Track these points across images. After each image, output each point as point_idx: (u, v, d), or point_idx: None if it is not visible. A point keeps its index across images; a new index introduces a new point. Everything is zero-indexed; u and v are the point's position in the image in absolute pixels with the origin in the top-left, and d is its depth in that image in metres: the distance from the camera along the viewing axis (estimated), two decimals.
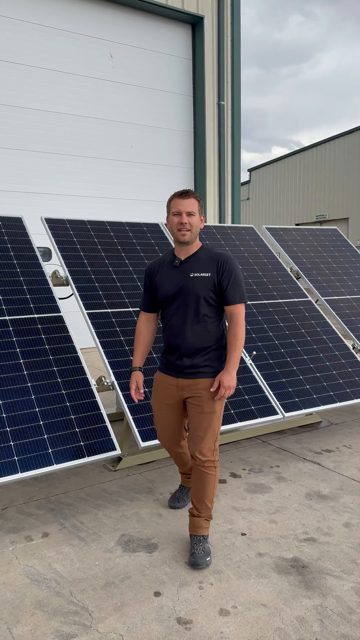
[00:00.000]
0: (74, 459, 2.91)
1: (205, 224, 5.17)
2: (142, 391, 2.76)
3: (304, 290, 5.05)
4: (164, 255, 2.73)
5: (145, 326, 2.80)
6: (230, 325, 2.55)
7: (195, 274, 2.56)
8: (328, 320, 4.82)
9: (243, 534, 2.84)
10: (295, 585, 2.41)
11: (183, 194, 2.53)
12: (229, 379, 2.50)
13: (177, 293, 2.58)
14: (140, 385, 2.76)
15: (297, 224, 26.32)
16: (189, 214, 2.52)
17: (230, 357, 2.52)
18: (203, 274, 2.56)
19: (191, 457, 2.67)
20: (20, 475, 2.74)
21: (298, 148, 26.65)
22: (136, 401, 2.75)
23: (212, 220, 9.58)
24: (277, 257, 5.31)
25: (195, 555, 2.55)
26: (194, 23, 9.26)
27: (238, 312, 2.54)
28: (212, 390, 2.53)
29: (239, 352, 2.52)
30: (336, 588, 2.38)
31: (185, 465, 3.02)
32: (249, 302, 4.56)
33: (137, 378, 2.76)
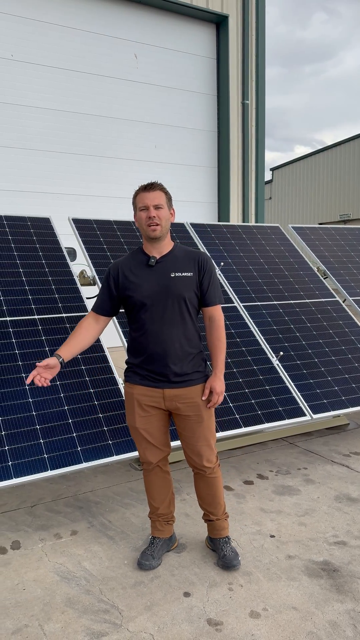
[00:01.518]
0: (101, 458, 2.92)
1: (230, 223, 5.15)
2: (45, 378, 2.28)
3: (332, 290, 4.99)
4: (131, 253, 2.48)
5: (92, 327, 2.45)
6: (212, 328, 2.43)
7: (176, 274, 2.37)
8: (357, 320, 4.75)
9: (272, 536, 2.81)
10: (326, 589, 2.37)
11: (148, 187, 2.34)
12: (220, 384, 2.38)
13: (157, 295, 2.35)
14: (46, 367, 2.28)
15: (320, 223, 26.04)
16: (157, 207, 2.33)
17: (217, 362, 2.41)
18: (185, 274, 2.38)
19: (194, 469, 2.53)
20: (49, 473, 2.76)
21: (321, 147, 26.39)
22: (29, 382, 2.25)
23: (235, 219, 9.54)
24: (304, 256, 5.26)
25: (227, 557, 2.52)
26: (219, 22, 9.24)
27: (218, 313, 2.44)
28: (203, 398, 2.40)
29: (223, 355, 2.42)
30: None
31: (167, 494, 2.59)
32: (275, 302, 4.52)
33: (50, 361, 2.29)
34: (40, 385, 2.29)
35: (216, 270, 2.41)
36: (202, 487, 2.56)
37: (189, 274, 2.39)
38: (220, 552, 2.55)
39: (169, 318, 2.36)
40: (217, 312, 2.44)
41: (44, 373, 2.29)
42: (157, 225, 2.34)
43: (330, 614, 2.21)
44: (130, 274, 2.40)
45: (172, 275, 2.37)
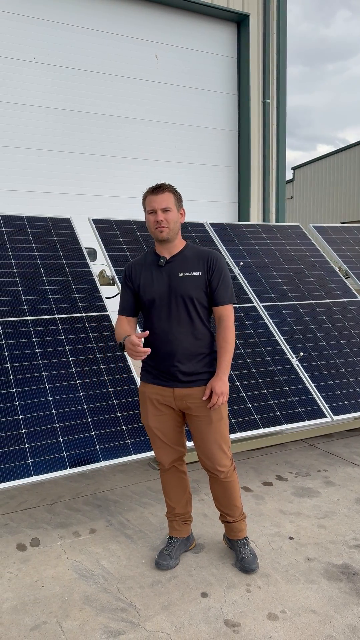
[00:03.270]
0: (120, 457, 2.93)
1: (250, 223, 5.12)
2: (142, 348, 2.22)
3: (353, 290, 4.92)
4: (144, 254, 2.52)
5: (127, 327, 2.47)
6: (219, 328, 2.39)
7: (184, 274, 2.37)
8: None
9: (291, 538, 2.78)
10: (346, 593, 2.34)
11: (156, 189, 2.34)
12: (220, 384, 2.33)
13: (166, 295, 2.37)
14: (137, 341, 2.22)
15: (342, 223, 25.73)
16: (165, 210, 2.33)
17: (220, 362, 2.36)
18: (193, 273, 2.37)
19: (207, 472, 2.50)
20: (68, 471, 2.78)
21: (343, 145, 26.08)
22: (141, 357, 2.25)
23: (256, 219, 9.49)
24: (325, 256, 5.20)
25: (245, 560, 2.50)
26: (239, 21, 9.20)
27: (227, 313, 2.39)
28: (203, 399, 2.36)
29: (229, 356, 2.36)
30: None
31: (183, 493, 2.60)
32: (295, 302, 4.48)
33: (132, 339, 2.22)
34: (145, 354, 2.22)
35: (235, 270, 2.36)
36: (217, 489, 2.53)
37: (197, 274, 2.37)
38: (239, 555, 2.54)
39: (177, 317, 2.36)
40: (225, 312, 2.39)
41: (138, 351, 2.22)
42: (165, 227, 2.34)
43: (350, 618, 2.17)
44: (142, 274, 2.43)
45: (181, 275, 2.37)
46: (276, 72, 9.41)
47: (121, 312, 2.49)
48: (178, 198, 2.39)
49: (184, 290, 2.35)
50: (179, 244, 2.43)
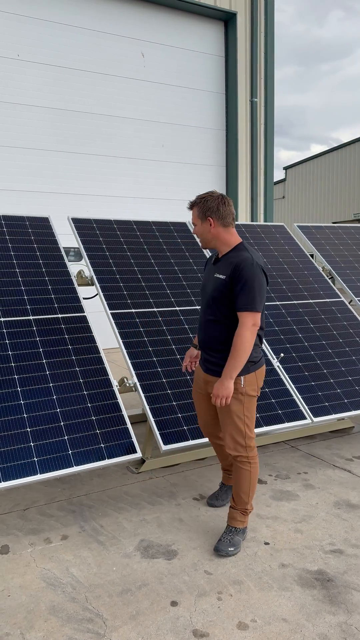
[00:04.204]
0: (93, 461, 2.87)
1: (236, 222, 5.06)
2: (190, 364, 2.92)
3: (337, 291, 4.88)
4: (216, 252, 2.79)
5: None
6: (235, 332, 2.49)
7: (217, 275, 2.58)
8: None
9: (266, 543, 2.73)
10: (319, 600, 2.29)
11: (188, 206, 2.66)
12: (219, 387, 2.47)
13: (204, 289, 2.68)
14: (190, 359, 2.92)
15: (334, 222, 25.75)
16: (193, 224, 2.66)
17: (226, 365, 2.47)
18: (221, 276, 2.55)
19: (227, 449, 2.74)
20: (39, 477, 2.71)
21: (336, 145, 26.12)
22: (186, 370, 2.95)
23: (244, 219, 9.45)
24: (313, 261, 5.16)
25: (221, 541, 2.63)
26: (227, 20, 9.15)
27: (242, 320, 2.46)
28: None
29: (235, 362, 2.43)
30: None
31: (225, 459, 3.03)
32: (278, 303, 4.43)
33: (192, 352, 2.93)
34: (190, 370, 2.95)
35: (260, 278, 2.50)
36: (233, 470, 2.69)
37: (223, 277, 2.53)
38: (220, 536, 2.71)
39: (206, 312, 2.63)
40: (242, 318, 2.46)
41: (192, 362, 2.93)
42: (199, 239, 2.72)
43: (321, 627, 2.13)
44: (206, 267, 2.79)
45: (215, 276, 2.59)
46: (264, 71, 9.37)
47: None
48: (201, 209, 2.58)
49: (211, 290, 2.59)
50: (224, 247, 2.62)
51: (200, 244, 2.80)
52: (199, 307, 4.07)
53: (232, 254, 2.56)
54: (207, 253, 4.56)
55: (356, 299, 4.90)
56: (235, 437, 2.59)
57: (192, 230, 2.77)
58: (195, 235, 2.75)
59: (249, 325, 2.43)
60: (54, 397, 3.09)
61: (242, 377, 2.54)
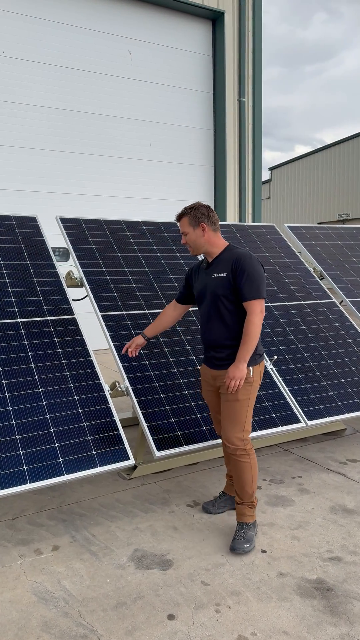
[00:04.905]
0: (85, 469, 2.78)
1: (225, 223, 5.01)
2: (132, 350, 3.07)
3: (328, 291, 4.85)
4: (202, 260, 2.92)
5: (171, 309, 3.05)
6: (245, 321, 2.65)
7: (215, 275, 2.72)
8: (353, 322, 4.61)
9: (263, 551, 2.67)
10: (319, 611, 2.23)
11: (177, 217, 2.79)
12: (234, 370, 2.60)
13: (203, 293, 2.78)
14: (134, 345, 3.06)
15: (319, 223, 25.88)
16: (184, 234, 2.78)
17: (239, 350, 2.62)
18: (221, 274, 2.69)
19: (224, 443, 2.79)
20: (29, 486, 2.62)
21: (321, 146, 26.25)
22: (124, 352, 3.11)
23: (232, 219, 9.40)
24: (300, 256, 5.12)
25: (235, 540, 2.66)
26: (215, 19, 9.09)
27: (251, 308, 2.62)
28: (225, 382, 2.66)
29: (247, 346, 2.60)
30: None
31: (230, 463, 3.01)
32: (270, 304, 4.38)
33: (138, 340, 3.07)
34: (130, 355, 3.09)
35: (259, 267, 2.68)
36: (231, 466, 2.75)
37: (223, 274, 2.67)
38: (233, 535, 2.74)
39: (209, 312, 2.75)
40: (250, 307, 2.62)
41: (135, 349, 3.07)
42: (190, 247, 2.80)
43: (323, 639, 2.07)
44: (195, 275, 2.92)
45: (214, 276, 2.72)
46: (252, 70, 9.33)
47: (176, 297, 3.06)
48: (193, 217, 2.73)
49: (214, 289, 2.70)
50: (215, 250, 2.77)
51: (191, 252, 2.82)
52: (196, 308, 4.00)
53: (225, 255, 2.74)
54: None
55: (347, 299, 4.87)
56: (236, 428, 2.69)
57: (182, 241, 2.82)
58: (185, 244, 2.80)
59: (258, 312, 2.60)
60: (44, 402, 2.99)
61: (251, 368, 2.69)
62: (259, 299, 2.62)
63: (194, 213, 2.73)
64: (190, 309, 3.97)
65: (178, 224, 2.84)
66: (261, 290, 2.62)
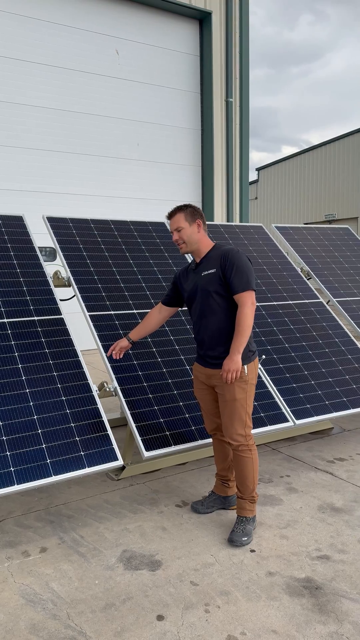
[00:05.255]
0: (73, 470, 2.76)
1: (212, 223, 5.01)
2: (117, 352, 3.06)
3: (315, 291, 4.88)
4: (192, 262, 2.94)
5: (156, 312, 3.05)
6: (237, 313, 2.67)
7: (204, 273, 2.75)
8: (340, 322, 4.65)
9: (252, 551, 2.68)
10: (308, 609, 2.24)
11: (169, 214, 2.81)
12: (228, 362, 2.61)
13: (194, 292, 2.80)
14: (118, 347, 3.04)
15: (305, 223, 26.04)
16: (177, 230, 2.77)
17: (233, 342, 2.64)
18: (210, 271, 2.73)
19: (226, 441, 2.85)
20: (16, 488, 2.59)
21: (307, 147, 26.40)
22: (109, 354, 3.13)
23: (220, 219, 9.41)
24: (287, 256, 5.14)
25: (234, 532, 2.72)
26: (202, 19, 9.10)
27: (242, 300, 2.64)
28: (221, 374, 2.66)
29: (241, 337, 2.61)
30: (353, 613, 2.22)
31: (223, 461, 3.02)
32: (258, 304, 4.39)
33: (122, 342, 3.06)
34: (115, 358, 3.09)
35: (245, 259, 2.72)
36: (234, 461, 2.79)
37: (212, 271, 2.71)
38: (232, 528, 2.79)
39: (202, 310, 2.75)
40: (241, 299, 2.64)
41: (120, 352, 3.06)
42: (183, 243, 2.79)
43: (312, 638, 2.07)
44: (183, 278, 2.92)
45: (203, 274, 2.75)
46: (239, 70, 9.36)
47: (162, 300, 3.05)
48: (189, 213, 2.76)
49: (205, 287, 2.72)
50: (204, 249, 2.80)
51: (182, 250, 2.81)
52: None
53: (213, 253, 2.78)
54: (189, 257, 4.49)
55: (334, 299, 4.90)
56: (237, 426, 2.71)
57: (174, 237, 2.80)
58: (177, 240, 2.78)
59: (249, 303, 2.63)
60: (31, 403, 2.96)
61: (245, 367, 2.70)
62: (249, 291, 2.65)
63: (191, 210, 2.78)
64: (179, 310, 3.96)
65: (169, 221, 2.82)
66: (251, 282, 2.66)
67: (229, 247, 2.75)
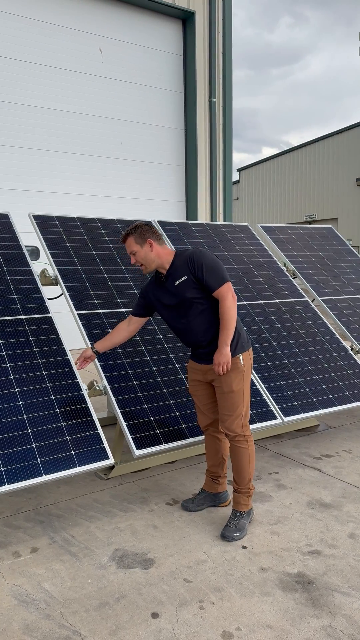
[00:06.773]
0: (63, 469, 2.74)
1: (198, 222, 5.02)
2: (80, 364, 3.07)
3: (301, 290, 4.92)
4: (153, 275, 2.93)
5: (125, 325, 3.03)
6: (219, 309, 2.72)
7: (177, 282, 2.76)
8: (325, 320, 4.70)
9: (244, 547, 2.69)
10: (301, 604, 2.26)
11: (121, 240, 2.83)
12: (218, 355, 2.68)
13: (172, 305, 2.79)
14: (82, 358, 3.04)
15: (286, 224, 26.22)
16: (132, 254, 2.80)
17: (220, 336, 2.70)
18: (182, 279, 2.74)
19: (224, 433, 2.84)
20: (6, 488, 2.56)
21: (287, 148, 26.62)
22: (75, 367, 3.16)
23: (203, 218, 9.44)
24: (272, 255, 5.18)
25: (226, 527, 2.76)
26: (185, 18, 9.11)
27: (222, 294, 2.69)
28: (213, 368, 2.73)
29: (227, 330, 2.67)
30: (345, 606, 2.24)
31: (214, 456, 3.03)
32: (244, 303, 4.42)
33: (86, 352, 3.05)
34: (78, 369, 3.13)
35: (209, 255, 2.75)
36: (230, 453, 2.84)
37: (184, 278, 2.73)
38: (226, 522, 2.82)
39: (186, 317, 2.77)
40: (220, 294, 2.69)
41: (83, 363, 3.07)
42: (141, 265, 2.82)
43: (307, 632, 2.09)
44: (155, 292, 2.88)
45: (177, 284, 2.76)
46: (222, 70, 9.39)
47: (131, 312, 3.04)
48: (139, 235, 2.76)
49: (183, 295, 2.73)
50: (166, 260, 2.80)
51: (144, 271, 2.85)
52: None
53: (177, 261, 2.79)
54: None
55: (319, 298, 4.95)
56: (235, 417, 2.75)
57: (131, 261, 2.85)
58: (135, 264, 2.84)
59: (229, 296, 2.68)
60: (20, 402, 2.93)
61: (240, 356, 2.75)
62: (225, 283, 2.69)
63: (139, 231, 2.77)
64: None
65: (124, 245, 2.90)
66: (225, 276, 2.70)
67: (190, 250, 2.76)
